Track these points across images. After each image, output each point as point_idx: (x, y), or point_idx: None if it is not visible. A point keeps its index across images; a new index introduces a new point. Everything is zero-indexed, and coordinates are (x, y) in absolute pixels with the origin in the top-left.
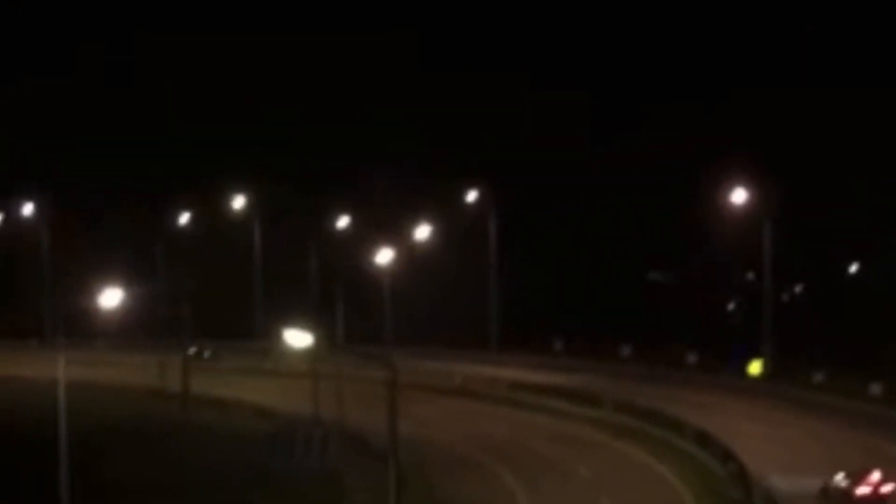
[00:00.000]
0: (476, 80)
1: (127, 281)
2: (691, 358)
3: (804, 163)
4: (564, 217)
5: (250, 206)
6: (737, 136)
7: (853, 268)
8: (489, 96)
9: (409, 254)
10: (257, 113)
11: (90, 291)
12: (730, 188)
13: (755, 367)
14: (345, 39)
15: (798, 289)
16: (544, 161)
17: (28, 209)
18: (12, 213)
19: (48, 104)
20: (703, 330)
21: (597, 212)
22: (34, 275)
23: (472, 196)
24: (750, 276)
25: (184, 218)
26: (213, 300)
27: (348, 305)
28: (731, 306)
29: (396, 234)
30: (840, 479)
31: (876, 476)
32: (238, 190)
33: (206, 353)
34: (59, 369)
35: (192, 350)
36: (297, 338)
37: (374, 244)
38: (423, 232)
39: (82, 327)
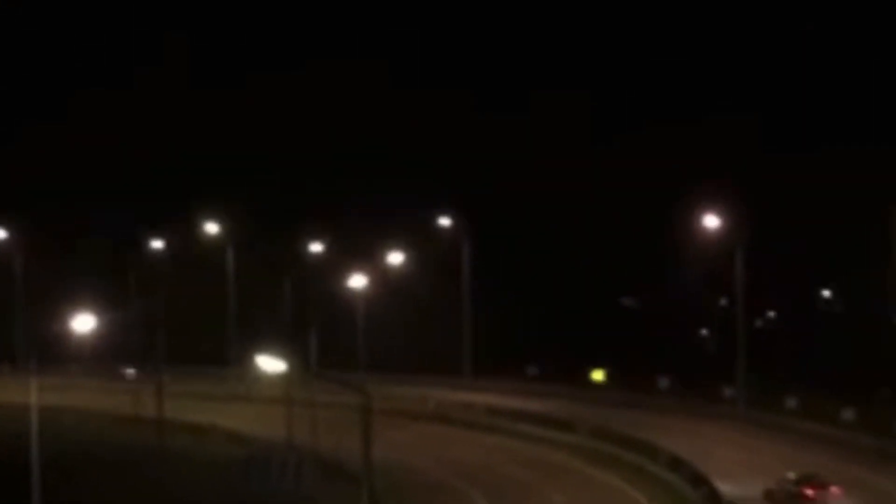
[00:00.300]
0: (442, 108)
1: (100, 307)
2: (664, 383)
3: (777, 189)
4: (537, 243)
5: (224, 232)
6: (711, 161)
7: (826, 293)
8: (454, 124)
9: (383, 280)
10: (231, 140)
11: (63, 317)
12: (703, 214)
13: (598, 374)
14: (320, 68)
15: (771, 314)
16: (518, 187)
17: (0, 234)
18: None
19: (22, 133)
20: (676, 356)
21: (570, 238)
22: (7, 299)
23: (445, 222)
24: (723, 301)
25: (157, 244)
26: (186, 326)
27: (322, 331)
28: (703, 332)
29: (370, 260)
30: (790, 479)
31: (824, 479)
32: (212, 216)
33: (130, 373)
34: (31, 394)
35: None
36: (270, 363)
37: (348, 270)
38: (396, 258)
39: (56, 352)
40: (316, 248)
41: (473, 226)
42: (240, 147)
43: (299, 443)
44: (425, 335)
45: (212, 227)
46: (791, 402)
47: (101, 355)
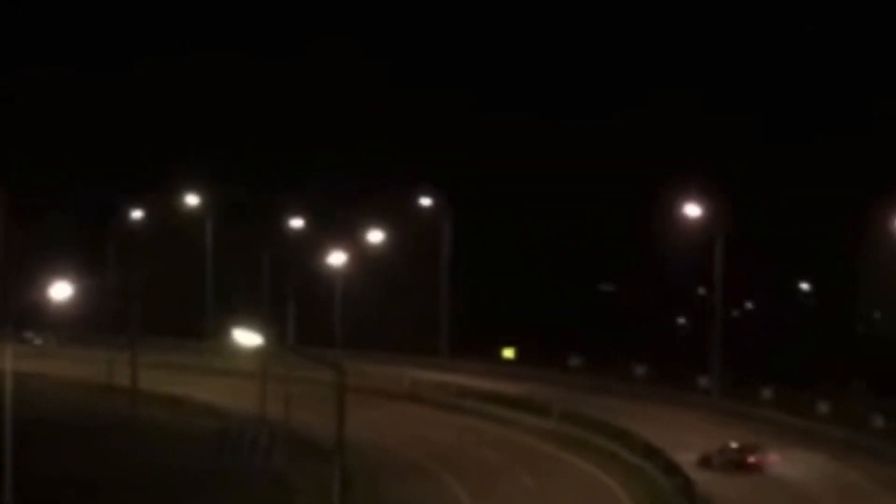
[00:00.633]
0: (431, 96)
1: (77, 276)
2: (640, 370)
3: (758, 179)
4: (517, 226)
5: (204, 204)
6: (693, 150)
7: (804, 285)
8: (443, 111)
9: (362, 257)
10: (216, 111)
11: (40, 285)
12: (684, 202)
13: (509, 352)
14: (320, 49)
15: (748, 305)
16: (499, 168)
17: None
18: None
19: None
20: (652, 343)
21: (550, 223)
22: None
23: (426, 201)
24: (701, 290)
25: (137, 214)
26: (164, 297)
27: (300, 307)
28: (681, 320)
29: (350, 237)
30: (733, 448)
31: (765, 449)
32: (192, 188)
33: (37, 341)
34: (5, 361)
35: (28, 336)
36: (247, 337)
37: (328, 247)
38: (375, 236)
39: (33, 320)
40: (296, 223)
41: (454, 207)
42: (225, 119)
43: (273, 418)
44: (403, 314)
45: (192, 199)
46: (766, 393)
47: (78, 324)
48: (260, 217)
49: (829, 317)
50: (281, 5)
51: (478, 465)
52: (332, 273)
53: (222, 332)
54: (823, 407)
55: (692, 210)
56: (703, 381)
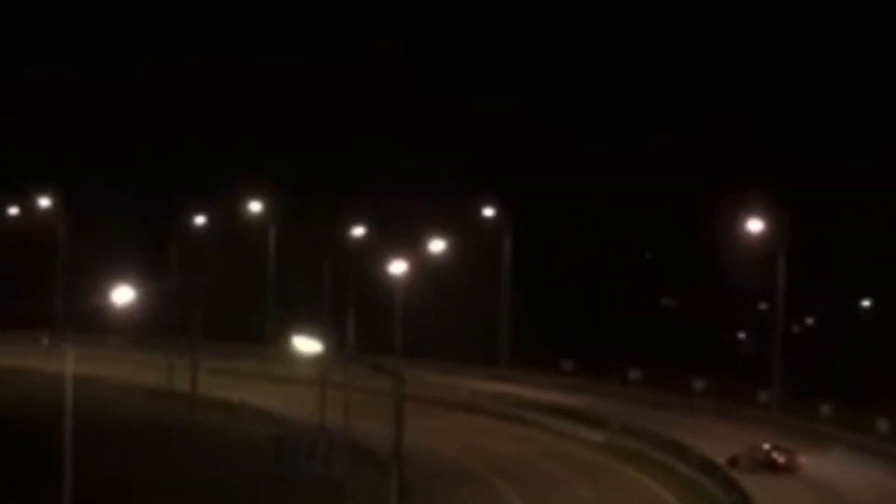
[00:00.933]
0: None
1: (140, 280)
2: (699, 385)
3: (821, 195)
4: (580, 239)
5: (266, 210)
6: (754, 164)
7: (866, 302)
8: (502, 119)
9: (423, 266)
10: (279, 117)
11: (103, 289)
12: (746, 217)
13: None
14: (376, 52)
15: (810, 321)
16: (563, 183)
17: (44, 203)
18: (28, 207)
19: (61, 99)
20: (712, 358)
21: (613, 237)
22: (48, 269)
23: (488, 212)
24: (762, 306)
25: (199, 220)
26: (225, 303)
27: (361, 315)
28: (741, 335)
29: (411, 246)
30: (764, 449)
31: (795, 451)
32: (255, 194)
33: (44, 341)
34: (67, 364)
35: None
36: (307, 344)
37: (389, 255)
38: (437, 245)
39: (95, 324)
40: (358, 231)
41: (516, 218)
42: (290, 125)
43: (331, 425)
44: (462, 324)
45: (255, 205)
46: (826, 410)
47: (140, 328)
48: (321, 225)
49: (890, 333)
50: (335, 7)
51: (535, 476)
52: (392, 281)
53: (282, 338)
54: (883, 424)
55: (755, 225)
56: (763, 396)
